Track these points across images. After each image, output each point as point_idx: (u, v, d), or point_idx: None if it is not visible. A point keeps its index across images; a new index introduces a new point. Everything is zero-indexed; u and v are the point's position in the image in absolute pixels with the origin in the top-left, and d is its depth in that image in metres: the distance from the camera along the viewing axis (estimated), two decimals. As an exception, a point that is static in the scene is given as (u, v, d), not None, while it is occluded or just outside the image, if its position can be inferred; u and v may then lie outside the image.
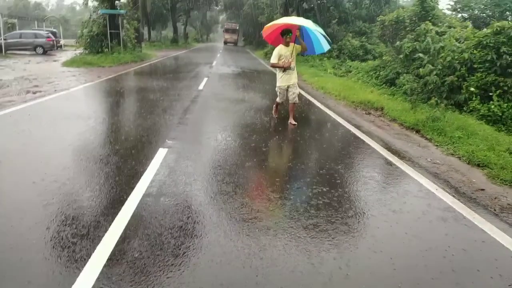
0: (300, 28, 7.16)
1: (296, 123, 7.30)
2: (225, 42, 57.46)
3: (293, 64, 7.30)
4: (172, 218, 3.34)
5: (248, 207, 3.67)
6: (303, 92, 11.75)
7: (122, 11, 20.50)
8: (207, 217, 3.41)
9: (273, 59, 7.29)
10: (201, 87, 11.40)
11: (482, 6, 18.99)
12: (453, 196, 4.37)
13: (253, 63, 25.00)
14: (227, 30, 58.43)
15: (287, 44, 7.21)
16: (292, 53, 7.18)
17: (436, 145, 6.76)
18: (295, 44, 7.22)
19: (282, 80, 7.38)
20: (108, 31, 19.71)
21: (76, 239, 2.89)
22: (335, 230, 3.33)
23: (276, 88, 7.54)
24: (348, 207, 3.86)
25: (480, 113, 9.22)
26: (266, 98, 10.39)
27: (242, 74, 16.84)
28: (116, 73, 14.00)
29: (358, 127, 7.81)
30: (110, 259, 2.66)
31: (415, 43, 12.25)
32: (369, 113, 9.78)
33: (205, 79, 13.37)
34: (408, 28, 13.93)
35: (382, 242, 3.21)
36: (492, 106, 9.25)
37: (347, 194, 4.23)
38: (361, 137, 6.93)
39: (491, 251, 3.21)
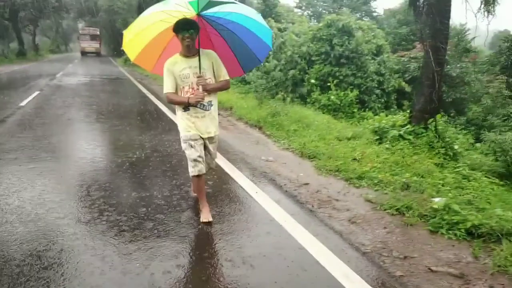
0: (197, 26, 3.19)
1: (211, 220, 3.35)
2: (83, 52, 42.86)
3: (208, 98, 3.28)
4: None
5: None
6: (159, 104, 10.82)
7: None
8: None
9: (166, 87, 3.27)
10: (24, 103, 9.54)
11: (323, 3, 20.66)
12: (272, 198, 3.97)
13: (109, 70, 23.00)
14: (84, 37, 43.66)
15: (188, 52, 3.22)
16: (199, 68, 3.20)
17: (274, 141, 6.53)
18: (208, 51, 3.36)
19: (190, 125, 3.30)
20: None
21: None
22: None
23: (182, 144, 3.37)
24: (155, 220, 3.10)
25: (321, 103, 9.57)
26: (116, 114, 9.16)
27: (89, 84, 15.06)
28: None
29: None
30: None
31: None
32: (218, 114, 9.33)
33: (36, 93, 11.40)
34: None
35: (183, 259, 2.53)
36: (332, 96, 9.66)
37: (160, 203, 3.47)
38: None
39: (294, 257, 2.78)
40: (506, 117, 8.45)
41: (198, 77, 3.19)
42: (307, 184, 4.46)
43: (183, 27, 3.10)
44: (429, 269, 2.73)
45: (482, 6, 7.22)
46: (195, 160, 3.31)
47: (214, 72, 3.33)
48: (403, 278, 2.63)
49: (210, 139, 3.44)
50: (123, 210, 3.54)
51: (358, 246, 3.04)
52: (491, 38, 36.52)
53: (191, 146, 3.32)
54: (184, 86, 3.27)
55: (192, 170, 3.33)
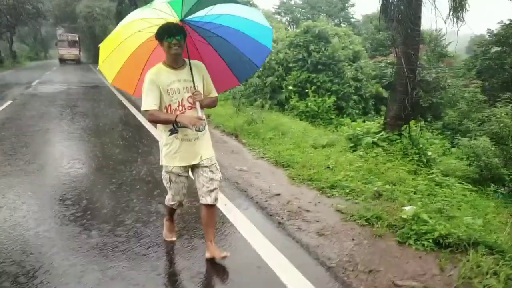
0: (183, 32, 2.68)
1: (227, 254, 2.80)
2: (62, 60, 39.24)
3: (202, 120, 2.70)
4: None
5: None
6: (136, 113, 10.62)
7: None
8: None
9: (148, 102, 2.64)
10: (-7, 113, 9.29)
11: (301, 9, 20.79)
12: (241, 211, 3.89)
13: (88, 77, 22.61)
14: (62, 43, 40.08)
15: (175, 63, 2.73)
16: (193, 82, 2.71)
17: (250, 150, 6.46)
18: (196, 62, 2.85)
19: (175, 153, 2.78)
20: None
21: None
22: None
23: (163, 174, 2.89)
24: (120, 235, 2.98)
25: (299, 110, 9.54)
26: (91, 125, 8.96)
27: (65, 92, 14.75)
28: None
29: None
30: None
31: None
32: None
33: (8, 103, 11.10)
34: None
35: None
36: (309, 103, 9.65)
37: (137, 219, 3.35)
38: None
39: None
40: (480, 122, 8.57)
41: (194, 92, 2.67)
42: (278, 194, 4.39)
43: (169, 32, 2.57)
44: (394, 283, 2.67)
45: (451, 13, 7.30)
46: (172, 196, 2.94)
47: (204, 87, 2.82)
48: (367, 293, 2.57)
49: (207, 161, 2.81)
50: (96, 225, 3.40)
51: (324, 260, 2.97)
52: (467, 43, 37.31)
53: (171, 181, 2.85)
54: (171, 103, 2.69)
55: (168, 201, 3.02)
